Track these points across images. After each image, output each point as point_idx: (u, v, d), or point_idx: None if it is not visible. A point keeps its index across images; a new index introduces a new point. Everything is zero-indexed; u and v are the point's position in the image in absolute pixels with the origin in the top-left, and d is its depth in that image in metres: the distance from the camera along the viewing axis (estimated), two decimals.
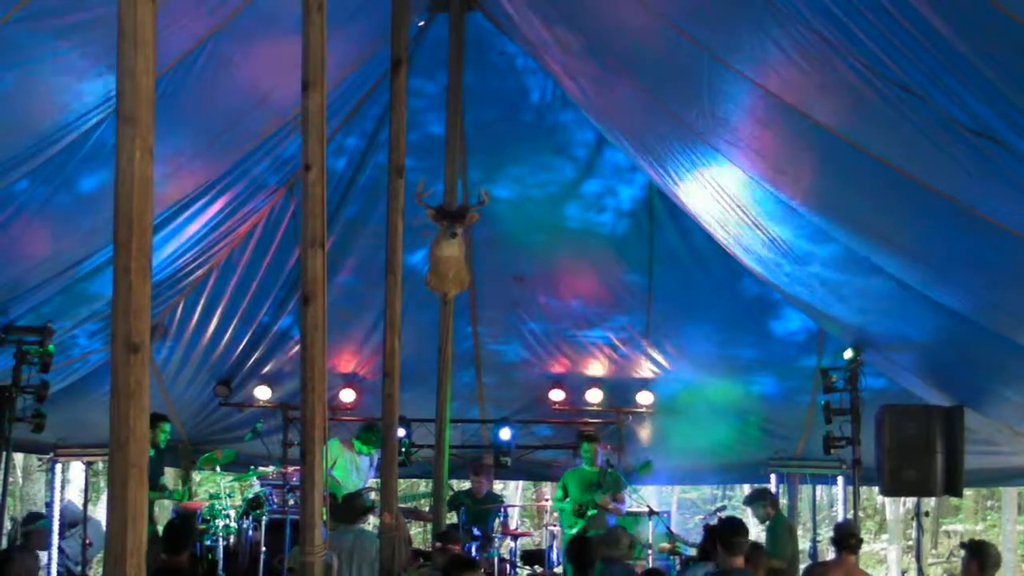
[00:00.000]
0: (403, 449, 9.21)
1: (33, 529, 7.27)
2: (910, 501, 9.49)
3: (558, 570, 9.35)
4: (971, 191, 4.65)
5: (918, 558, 8.94)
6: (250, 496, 9.52)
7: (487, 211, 8.07)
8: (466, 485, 9.88)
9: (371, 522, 7.82)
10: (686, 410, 10.39)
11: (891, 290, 6.59)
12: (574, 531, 8.85)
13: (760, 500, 8.86)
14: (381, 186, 7.73)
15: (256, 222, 9.30)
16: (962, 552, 6.11)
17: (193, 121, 6.81)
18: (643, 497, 9.87)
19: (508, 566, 9.28)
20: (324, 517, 7.97)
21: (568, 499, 9.07)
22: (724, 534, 5.70)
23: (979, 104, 3.83)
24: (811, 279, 7.62)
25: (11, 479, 8.70)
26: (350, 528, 6.77)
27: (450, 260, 7.66)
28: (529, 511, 19.79)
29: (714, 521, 9.02)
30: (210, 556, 8.74)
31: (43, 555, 9.29)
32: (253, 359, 10.35)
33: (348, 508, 6.93)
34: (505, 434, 10.37)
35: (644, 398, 10.42)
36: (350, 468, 9.21)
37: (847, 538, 6.32)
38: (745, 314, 9.57)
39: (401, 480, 8.80)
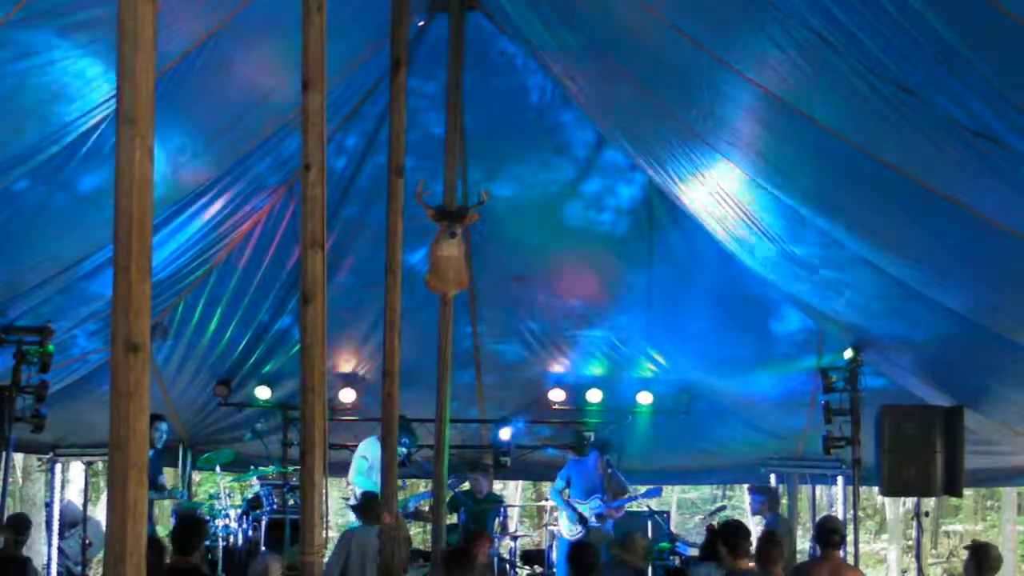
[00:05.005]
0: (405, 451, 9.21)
1: (23, 538, 7.27)
2: (910, 501, 9.49)
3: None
4: (971, 191, 4.65)
5: (918, 558, 8.96)
6: (250, 496, 9.54)
7: (487, 211, 8.07)
8: (467, 485, 9.90)
9: None
10: (685, 410, 10.41)
11: (891, 290, 6.59)
12: (575, 536, 8.94)
13: (762, 496, 8.88)
14: (381, 186, 7.72)
15: (256, 222, 9.30)
16: (965, 553, 6.13)
17: (193, 121, 6.80)
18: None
19: (508, 566, 9.30)
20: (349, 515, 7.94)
21: (569, 491, 9.15)
22: (728, 537, 5.69)
23: (979, 104, 3.83)
24: (811, 279, 7.63)
25: (11, 479, 8.68)
26: (374, 528, 6.82)
27: (450, 260, 7.65)
28: (529, 511, 19.81)
29: (714, 521, 9.06)
30: (209, 556, 8.75)
31: (43, 551, 9.31)
32: (253, 359, 10.35)
33: (371, 508, 6.97)
34: (505, 434, 10.38)
35: (644, 398, 10.43)
36: (374, 468, 9.19)
37: (830, 535, 6.29)
38: (745, 314, 9.56)
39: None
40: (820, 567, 6.19)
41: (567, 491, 9.30)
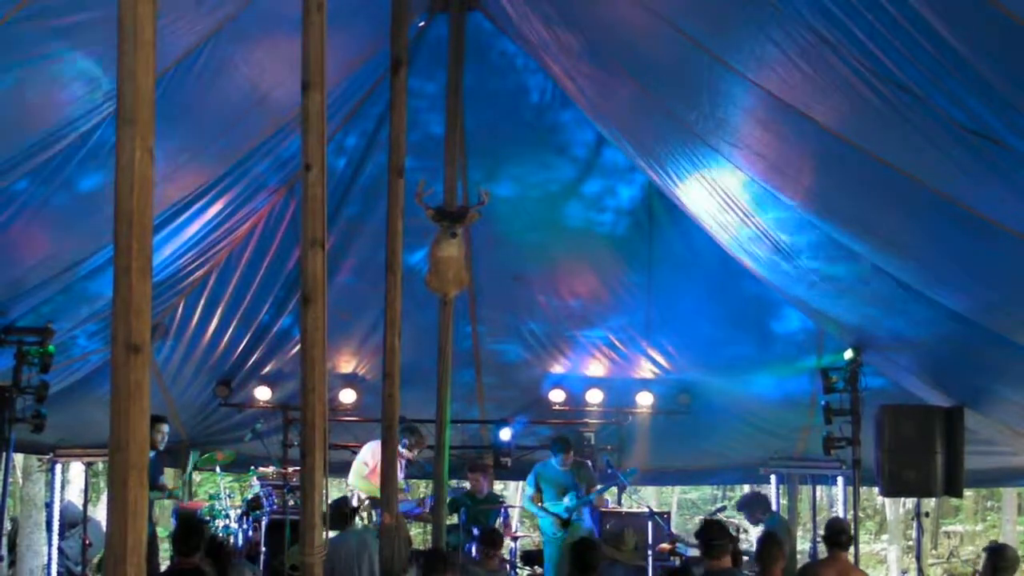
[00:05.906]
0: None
1: None
2: (910, 501, 9.49)
3: None
4: (971, 191, 4.65)
5: (918, 558, 8.96)
6: (250, 497, 9.53)
7: (487, 211, 8.07)
8: (467, 485, 9.88)
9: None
10: (685, 410, 10.41)
11: (891, 290, 6.59)
12: (559, 535, 8.94)
13: (748, 508, 8.91)
14: (381, 186, 7.72)
15: (256, 222, 9.30)
16: (965, 553, 6.17)
17: (193, 121, 6.80)
18: (643, 497, 9.88)
19: (508, 566, 9.27)
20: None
21: (542, 498, 9.14)
22: (702, 539, 5.72)
23: (979, 104, 3.83)
24: (811, 279, 7.63)
25: (11, 480, 8.68)
26: (348, 531, 6.81)
27: (450, 260, 7.64)
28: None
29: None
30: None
31: (43, 551, 9.31)
32: (253, 359, 10.35)
33: (338, 513, 6.97)
34: (505, 435, 10.38)
35: (644, 398, 10.42)
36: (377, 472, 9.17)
37: (838, 535, 6.34)
38: (745, 314, 9.57)
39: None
40: (828, 568, 6.21)
41: (539, 496, 9.28)
